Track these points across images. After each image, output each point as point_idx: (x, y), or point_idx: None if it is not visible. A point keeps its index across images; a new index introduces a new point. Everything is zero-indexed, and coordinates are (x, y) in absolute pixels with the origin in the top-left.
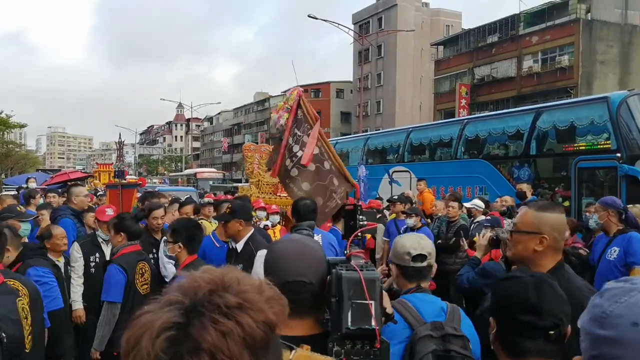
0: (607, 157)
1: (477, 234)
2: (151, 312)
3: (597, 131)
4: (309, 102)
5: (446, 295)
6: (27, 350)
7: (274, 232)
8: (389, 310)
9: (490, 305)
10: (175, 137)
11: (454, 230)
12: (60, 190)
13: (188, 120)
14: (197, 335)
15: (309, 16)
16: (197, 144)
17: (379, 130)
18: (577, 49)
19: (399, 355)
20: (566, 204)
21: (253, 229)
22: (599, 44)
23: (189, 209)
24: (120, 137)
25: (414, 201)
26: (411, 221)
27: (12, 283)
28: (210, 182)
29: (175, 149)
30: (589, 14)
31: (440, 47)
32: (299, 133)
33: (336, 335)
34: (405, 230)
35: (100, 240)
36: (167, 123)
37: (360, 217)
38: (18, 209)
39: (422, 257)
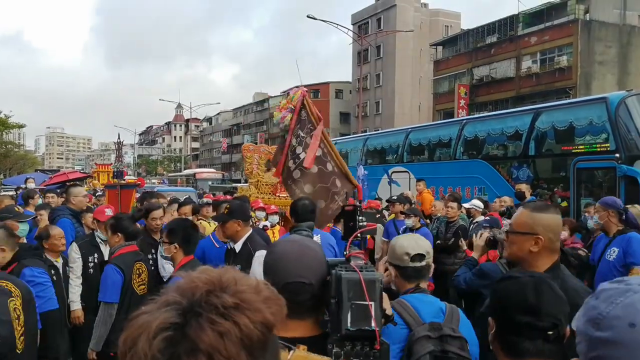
0: (605, 158)
1: (473, 234)
2: (148, 312)
3: (596, 131)
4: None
5: (445, 296)
6: (19, 351)
7: (273, 233)
8: (389, 311)
9: (489, 305)
10: (175, 137)
11: (453, 230)
12: (59, 190)
13: (187, 120)
14: (195, 336)
15: (308, 16)
16: (196, 145)
17: (378, 130)
18: (576, 50)
19: (396, 356)
20: (564, 204)
21: (251, 230)
22: (597, 44)
23: (187, 209)
24: (119, 138)
25: (413, 201)
26: (410, 221)
27: (4, 284)
28: (210, 183)
29: (175, 150)
30: (588, 14)
31: (439, 48)
32: (302, 134)
33: (336, 337)
34: (405, 231)
35: (99, 240)
36: (166, 123)
37: (360, 217)
38: (16, 209)
39: (420, 256)
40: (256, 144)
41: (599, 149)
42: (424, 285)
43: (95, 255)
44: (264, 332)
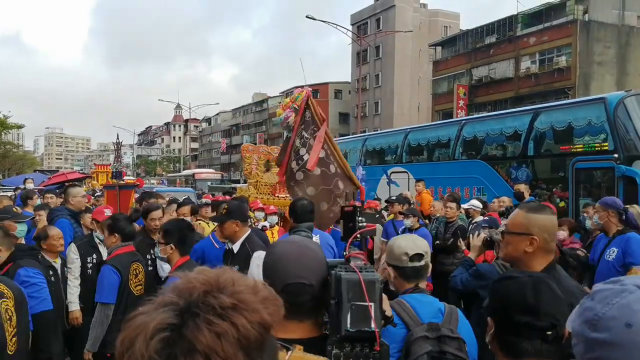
0: (604, 158)
1: (471, 235)
2: (146, 313)
3: (595, 132)
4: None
5: (444, 296)
6: (10, 353)
7: (272, 233)
8: (388, 312)
9: (488, 305)
10: (174, 137)
11: (451, 231)
12: (57, 191)
13: (186, 121)
14: (192, 337)
15: (307, 17)
16: (195, 145)
17: (377, 131)
18: (575, 50)
19: (393, 355)
20: (561, 204)
21: (250, 230)
22: (596, 45)
23: (186, 209)
24: (118, 138)
25: (412, 202)
26: (408, 222)
27: None
28: (209, 183)
29: (174, 150)
30: (587, 15)
31: (439, 48)
32: (306, 135)
33: (335, 338)
34: (404, 231)
35: (97, 241)
36: (165, 124)
37: (360, 218)
38: (14, 209)
39: (419, 256)
40: (255, 144)
41: (597, 149)
42: (422, 285)
43: (94, 255)
44: (261, 333)
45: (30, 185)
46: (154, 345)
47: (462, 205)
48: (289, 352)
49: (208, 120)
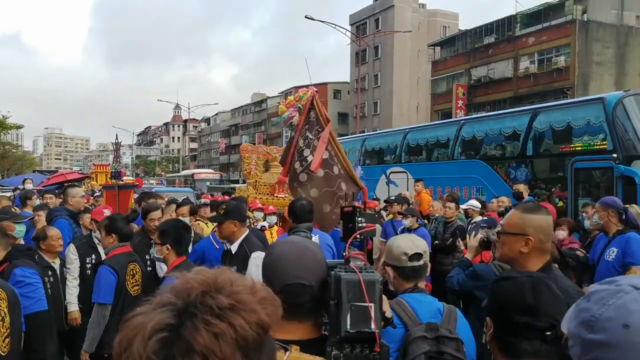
0: (603, 158)
1: (468, 235)
2: (144, 313)
3: (594, 132)
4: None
5: (443, 296)
6: (3, 354)
7: (271, 233)
8: (388, 314)
9: (487, 305)
10: (173, 138)
11: (451, 231)
12: (57, 191)
13: (185, 121)
14: (189, 337)
15: (306, 17)
16: (194, 145)
17: (376, 131)
18: (574, 50)
19: (391, 355)
20: (560, 204)
21: (248, 231)
22: (595, 45)
23: (185, 210)
24: (117, 138)
25: (411, 202)
26: (407, 222)
27: None
28: (208, 183)
29: (173, 150)
30: (585, 15)
31: (437, 48)
32: (310, 136)
33: (335, 339)
34: (403, 231)
35: (96, 241)
36: (164, 124)
37: (359, 219)
38: (13, 210)
39: (418, 256)
40: (254, 144)
41: (596, 149)
42: (421, 284)
43: (93, 256)
44: (259, 333)
45: (29, 186)
46: (151, 345)
47: (461, 206)
48: (287, 353)
49: (207, 120)
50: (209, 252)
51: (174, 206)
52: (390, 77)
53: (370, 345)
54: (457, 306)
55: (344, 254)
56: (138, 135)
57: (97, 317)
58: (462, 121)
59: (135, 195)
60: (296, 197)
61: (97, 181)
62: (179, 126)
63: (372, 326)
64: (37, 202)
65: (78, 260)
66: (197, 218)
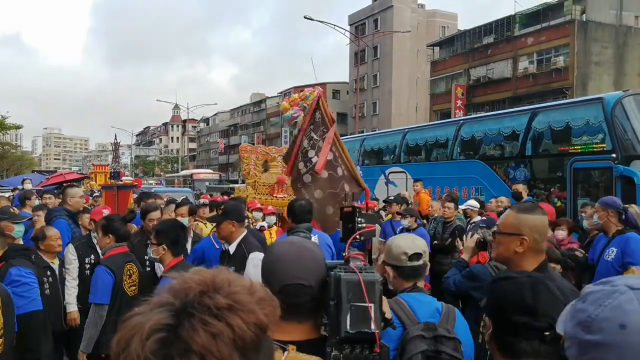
0: (602, 158)
1: (464, 235)
2: (142, 313)
3: (592, 132)
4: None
5: (442, 296)
6: None
7: (270, 233)
8: (388, 315)
9: (486, 305)
10: (172, 138)
11: (449, 231)
12: (56, 191)
13: (184, 121)
14: (187, 337)
15: (305, 17)
16: (193, 145)
17: (375, 131)
18: (572, 50)
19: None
20: (559, 204)
21: (246, 231)
22: (594, 45)
23: (184, 210)
24: (115, 138)
25: (410, 202)
26: (406, 222)
27: None
28: (207, 183)
29: (172, 150)
30: (584, 15)
31: (436, 48)
32: (315, 137)
33: (334, 339)
34: (401, 231)
35: (95, 241)
36: (163, 124)
37: (359, 219)
38: (11, 210)
39: (418, 255)
40: (253, 144)
41: (595, 149)
42: (420, 284)
43: (92, 256)
44: (257, 333)
45: (28, 186)
46: (149, 345)
47: (460, 206)
48: (285, 353)
49: (206, 120)
50: (209, 252)
51: (173, 206)
52: (389, 77)
53: (370, 345)
54: (456, 306)
55: (344, 254)
56: (137, 135)
57: (94, 317)
58: (461, 121)
59: (134, 196)
60: (300, 197)
61: (96, 181)
62: (178, 126)
63: (372, 327)
64: (36, 202)
65: (77, 260)
66: (196, 218)
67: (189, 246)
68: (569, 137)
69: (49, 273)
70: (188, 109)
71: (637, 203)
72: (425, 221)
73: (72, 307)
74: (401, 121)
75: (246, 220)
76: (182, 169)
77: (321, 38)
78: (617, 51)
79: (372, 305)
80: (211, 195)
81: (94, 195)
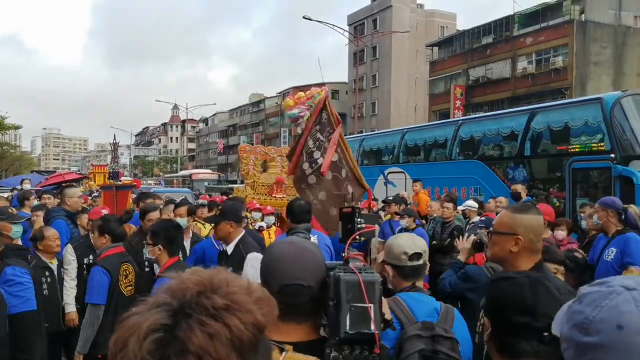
0: (601, 158)
1: (460, 236)
2: (139, 313)
3: (591, 132)
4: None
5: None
6: None
7: (269, 234)
8: (388, 316)
9: (485, 305)
10: (171, 138)
11: (448, 231)
12: (55, 191)
13: (183, 121)
14: (184, 337)
15: (303, 17)
16: (192, 145)
17: (374, 131)
18: (571, 50)
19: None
20: (558, 204)
21: (244, 231)
22: (592, 45)
23: (183, 210)
24: (114, 139)
25: (409, 202)
26: (404, 222)
27: None
28: (206, 184)
29: (171, 150)
30: (583, 15)
31: (435, 48)
32: (321, 138)
33: (334, 340)
34: (400, 231)
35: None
36: (162, 124)
37: (358, 219)
38: (9, 210)
39: (418, 255)
40: (252, 144)
41: (594, 149)
42: (419, 283)
43: (91, 256)
44: (254, 334)
45: (27, 186)
46: (147, 345)
47: (458, 207)
48: (283, 353)
49: (205, 120)
50: (209, 253)
51: (171, 206)
52: (388, 78)
53: (370, 346)
54: (455, 306)
55: (343, 254)
56: (136, 135)
57: (90, 317)
58: (460, 121)
59: (133, 196)
60: (305, 198)
61: (95, 181)
62: (177, 126)
63: (372, 327)
64: (35, 202)
65: (75, 260)
66: (195, 219)
67: (188, 246)
68: (567, 137)
69: (47, 273)
70: (187, 109)
71: (636, 203)
72: (424, 221)
73: (71, 307)
74: (400, 121)
75: (245, 221)
76: (181, 169)
77: (320, 38)
78: (616, 51)
79: (371, 305)
80: (210, 196)
81: (92, 195)
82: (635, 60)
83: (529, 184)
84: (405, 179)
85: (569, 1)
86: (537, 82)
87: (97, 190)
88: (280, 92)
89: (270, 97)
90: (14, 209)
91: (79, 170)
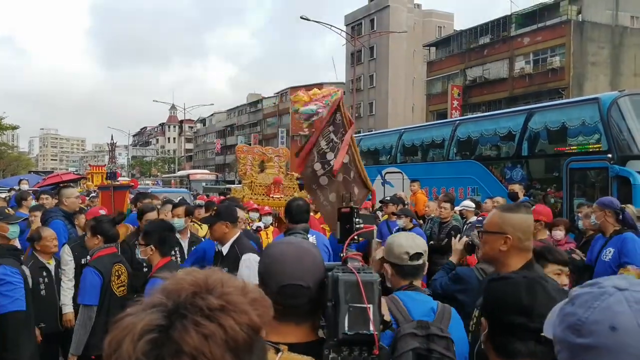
0: (598, 158)
1: (453, 237)
2: (134, 314)
3: (588, 132)
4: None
5: None
6: None
7: (267, 234)
8: (387, 317)
9: (482, 305)
10: (168, 138)
11: (446, 231)
12: (52, 192)
13: (181, 121)
14: (179, 338)
15: (301, 17)
16: (190, 146)
17: (372, 131)
18: (569, 50)
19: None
20: (554, 204)
21: (240, 232)
22: (590, 45)
23: (181, 210)
24: (112, 139)
25: (406, 202)
26: (401, 222)
27: None
28: (203, 184)
29: (168, 151)
30: (580, 15)
31: (433, 49)
32: (335, 139)
33: (332, 342)
34: (397, 232)
35: None
36: (160, 125)
37: (357, 220)
38: (6, 211)
39: (418, 255)
40: (250, 145)
41: (591, 150)
42: (417, 283)
43: (88, 257)
44: (250, 334)
45: (25, 187)
46: (141, 346)
47: (455, 207)
48: (279, 354)
49: (203, 121)
50: (210, 254)
51: (169, 207)
52: (385, 78)
53: (369, 347)
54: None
55: (341, 255)
56: (134, 135)
57: (82, 318)
58: (458, 121)
59: (131, 196)
60: (313, 199)
61: (92, 182)
62: (174, 127)
63: (371, 328)
64: (33, 202)
65: (73, 261)
66: (193, 219)
67: (186, 247)
68: (565, 138)
69: (45, 274)
70: (185, 109)
71: (633, 203)
72: (421, 221)
73: (68, 308)
74: (397, 121)
75: (245, 221)
76: (178, 170)
77: (318, 38)
78: (613, 51)
79: (370, 306)
80: (208, 196)
81: (90, 195)
82: (632, 60)
83: (526, 184)
84: (403, 179)
85: (566, 1)
86: (535, 82)
87: (94, 191)
88: (277, 93)
89: (268, 98)
90: (11, 209)
91: (76, 171)
